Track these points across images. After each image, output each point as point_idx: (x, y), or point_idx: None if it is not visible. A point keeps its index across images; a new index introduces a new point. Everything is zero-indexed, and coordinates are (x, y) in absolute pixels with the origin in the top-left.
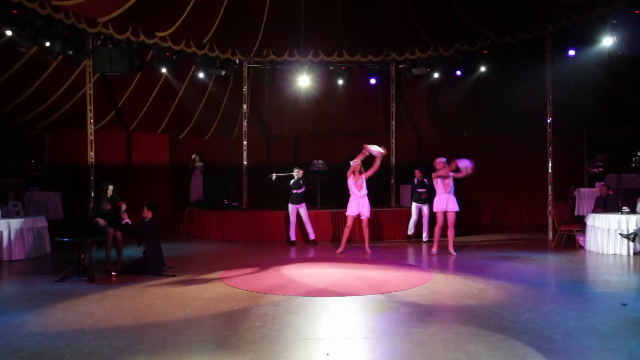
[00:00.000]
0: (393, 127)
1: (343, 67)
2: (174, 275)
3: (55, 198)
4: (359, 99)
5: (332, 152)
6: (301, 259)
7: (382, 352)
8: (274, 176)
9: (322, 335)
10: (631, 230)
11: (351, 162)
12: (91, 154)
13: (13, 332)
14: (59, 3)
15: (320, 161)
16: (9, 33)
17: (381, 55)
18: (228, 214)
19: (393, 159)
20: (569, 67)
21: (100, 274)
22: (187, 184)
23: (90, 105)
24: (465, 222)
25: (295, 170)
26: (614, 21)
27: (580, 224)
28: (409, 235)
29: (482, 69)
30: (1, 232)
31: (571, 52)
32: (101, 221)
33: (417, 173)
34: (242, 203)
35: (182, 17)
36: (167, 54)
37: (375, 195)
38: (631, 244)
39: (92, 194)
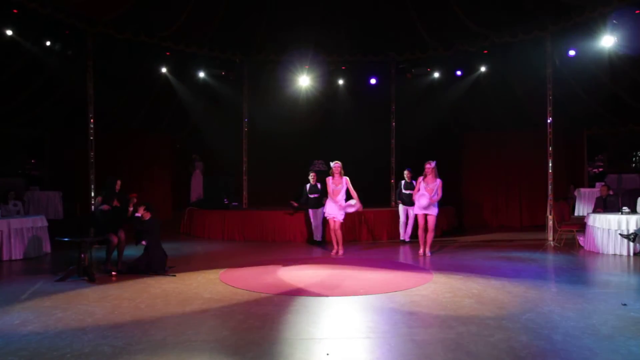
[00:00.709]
0: (393, 127)
1: (343, 67)
2: (174, 275)
3: (55, 198)
4: (359, 99)
5: (332, 152)
6: (301, 259)
7: (383, 352)
8: (294, 204)
9: (322, 335)
10: (631, 230)
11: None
12: (91, 154)
13: (13, 331)
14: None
15: (321, 161)
16: (9, 33)
17: (381, 55)
18: (228, 214)
19: (393, 159)
20: (569, 67)
21: (100, 274)
22: (187, 184)
23: (91, 104)
24: (465, 222)
25: (311, 175)
26: (614, 21)
27: (580, 224)
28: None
29: (482, 69)
30: (1, 231)
31: (571, 52)
32: (105, 207)
33: (407, 174)
34: (242, 203)
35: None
36: (167, 53)
37: (375, 195)
38: (631, 244)
39: (92, 193)
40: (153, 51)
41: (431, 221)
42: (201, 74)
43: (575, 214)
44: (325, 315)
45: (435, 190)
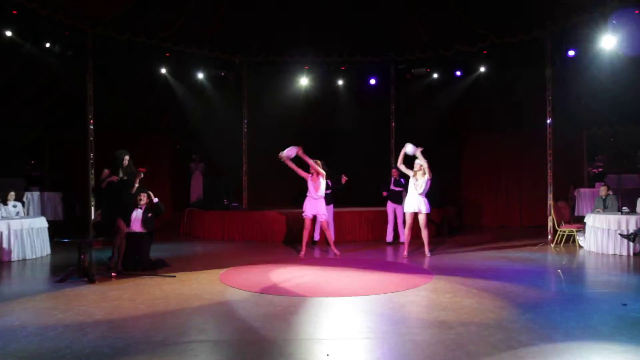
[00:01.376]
0: (393, 127)
1: (343, 67)
2: (174, 276)
3: (55, 198)
4: (358, 99)
5: (332, 152)
6: (301, 259)
7: (383, 352)
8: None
9: (322, 335)
10: (631, 230)
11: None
12: (91, 155)
13: (13, 332)
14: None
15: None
16: (9, 33)
17: (381, 56)
18: (228, 214)
19: (393, 159)
20: (568, 67)
21: (100, 274)
22: (187, 184)
23: (91, 105)
24: (466, 222)
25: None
26: (614, 21)
27: (580, 224)
28: (389, 242)
29: (482, 69)
30: (1, 232)
31: (571, 52)
32: (114, 177)
33: (394, 172)
34: (242, 203)
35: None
36: (167, 54)
37: (375, 195)
38: (631, 244)
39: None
40: (153, 51)
41: (423, 219)
42: (201, 75)
43: (575, 214)
44: (325, 316)
45: (425, 188)
